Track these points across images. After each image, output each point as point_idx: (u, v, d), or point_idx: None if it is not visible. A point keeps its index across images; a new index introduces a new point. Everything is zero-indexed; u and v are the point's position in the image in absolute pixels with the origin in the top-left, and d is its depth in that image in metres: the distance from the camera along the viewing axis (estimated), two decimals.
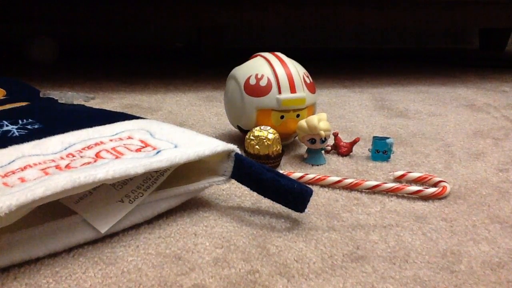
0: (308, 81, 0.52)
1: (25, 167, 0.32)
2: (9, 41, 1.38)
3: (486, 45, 1.65)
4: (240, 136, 0.57)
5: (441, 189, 0.41)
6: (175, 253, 0.32)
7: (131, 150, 0.36)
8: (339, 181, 0.43)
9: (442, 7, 1.04)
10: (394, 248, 0.33)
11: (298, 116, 0.50)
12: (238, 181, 0.37)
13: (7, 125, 0.39)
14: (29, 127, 0.39)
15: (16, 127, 0.39)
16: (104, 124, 0.41)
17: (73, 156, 0.35)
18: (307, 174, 0.44)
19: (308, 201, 0.35)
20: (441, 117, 0.70)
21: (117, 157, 0.34)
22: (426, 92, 0.88)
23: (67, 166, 0.32)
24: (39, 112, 0.43)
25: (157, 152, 0.35)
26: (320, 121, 0.46)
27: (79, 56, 1.26)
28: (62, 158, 0.34)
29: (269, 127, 0.46)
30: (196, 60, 1.23)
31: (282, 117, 0.50)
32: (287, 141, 0.53)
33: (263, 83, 0.49)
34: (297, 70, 0.51)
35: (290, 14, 0.97)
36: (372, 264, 0.31)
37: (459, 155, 0.53)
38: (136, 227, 0.35)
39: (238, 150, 0.37)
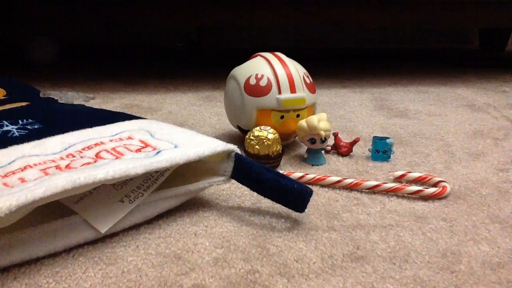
0: (308, 81, 0.52)
1: (25, 168, 0.32)
2: (9, 41, 1.38)
3: (486, 45, 1.65)
4: (240, 136, 0.57)
5: (441, 189, 0.41)
6: (175, 253, 0.32)
7: (131, 151, 0.36)
8: (339, 181, 0.43)
9: (442, 7, 1.04)
10: (394, 248, 0.33)
11: (298, 116, 0.50)
12: (238, 181, 0.37)
13: (7, 125, 0.39)
14: (29, 127, 0.39)
15: (16, 127, 0.39)
16: (104, 124, 0.41)
17: (73, 156, 0.35)
18: (307, 174, 0.44)
19: (308, 201, 0.35)
20: (441, 117, 0.70)
21: (117, 158, 0.34)
22: (426, 92, 0.88)
23: (67, 166, 0.32)
24: (39, 112, 0.43)
25: (157, 153, 0.35)
26: (320, 121, 0.46)
27: (79, 56, 1.26)
28: (62, 158, 0.34)
29: (269, 127, 0.46)
30: (196, 60, 1.23)
31: (282, 117, 0.50)
32: (287, 141, 0.53)
33: (263, 83, 0.49)
34: (297, 70, 0.51)
35: (290, 14, 0.97)
36: (372, 264, 0.31)
37: (459, 155, 0.53)
38: (136, 227, 0.35)
39: (238, 150, 0.37)
